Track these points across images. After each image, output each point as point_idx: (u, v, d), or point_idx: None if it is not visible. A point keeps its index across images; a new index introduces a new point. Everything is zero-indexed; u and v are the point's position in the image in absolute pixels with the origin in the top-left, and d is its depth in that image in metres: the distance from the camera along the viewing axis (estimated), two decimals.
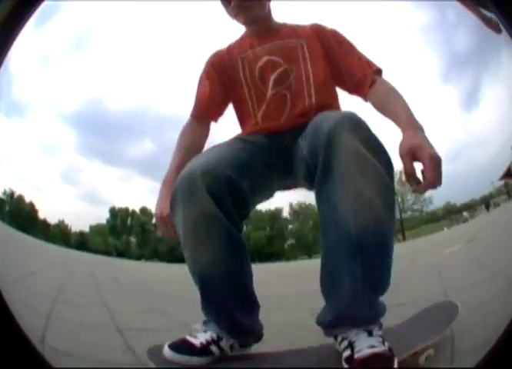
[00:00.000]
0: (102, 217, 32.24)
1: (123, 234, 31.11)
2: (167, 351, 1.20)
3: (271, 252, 26.94)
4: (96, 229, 31.39)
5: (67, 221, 29.25)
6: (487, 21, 1.28)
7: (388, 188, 1.00)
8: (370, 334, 1.02)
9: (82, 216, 32.02)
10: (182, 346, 1.20)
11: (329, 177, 1.02)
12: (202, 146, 1.62)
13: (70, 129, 36.83)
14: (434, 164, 1.01)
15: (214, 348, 1.21)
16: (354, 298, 1.03)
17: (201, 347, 1.19)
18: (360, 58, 1.50)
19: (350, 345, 1.01)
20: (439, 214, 33.06)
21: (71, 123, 33.48)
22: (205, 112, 1.66)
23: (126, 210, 31.45)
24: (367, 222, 0.94)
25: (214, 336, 1.22)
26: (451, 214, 31.81)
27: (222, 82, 1.62)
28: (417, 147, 1.02)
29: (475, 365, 0.85)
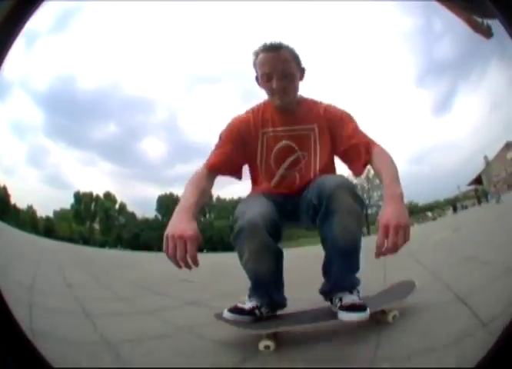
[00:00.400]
0: (67, 201, 31.69)
1: (87, 221, 30.77)
2: (226, 313, 1.70)
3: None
4: (61, 214, 31.05)
5: (34, 207, 29.28)
6: (476, 27, 1.30)
7: (362, 221, 1.62)
8: (351, 293, 1.67)
9: (47, 200, 31.53)
10: (236, 310, 1.71)
11: (330, 217, 1.57)
12: (210, 191, 1.91)
13: (39, 108, 35.86)
14: (400, 238, 1.40)
15: (256, 311, 1.72)
16: (342, 275, 1.69)
17: (249, 310, 1.71)
18: (360, 137, 1.82)
19: (340, 300, 1.65)
20: None
21: (41, 102, 32.70)
22: (218, 169, 1.86)
23: (90, 195, 31.08)
24: (349, 241, 1.59)
25: (256, 304, 1.75)
26: (413, 213, 33.96)
27: (241, 148, 1.87)
28: (391, 224, 1.41)
29: (475, 365, 0.87)
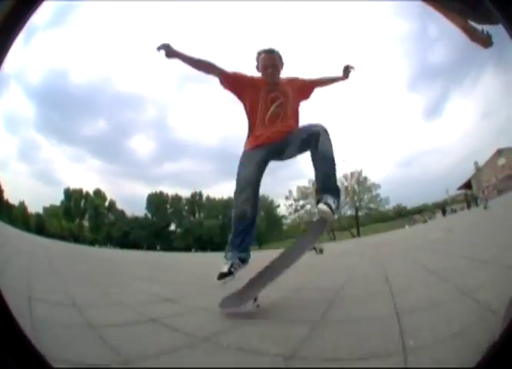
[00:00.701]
0: (57, 198, 31.58)
1: (76, 218, 30.61)
2: (216, 281, 2.44)
3: (223, 242, 27.79)
4: (51, 211, 30.92)
5: (26, 203, 29.26)
6: (474, 35, 1.29)
7: (332, 154, 2.63)
8: (333, 198, 2.49)
9: (38, 197, 31.31)
10: (220, 275, 2.44)
11: (316, 147, 2.56)
12: (208, 66, 2.88)
13: (31, 102, 35.57)
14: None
15: (232, 269, 2.46)
16: (329, 176, 2.58)
17: (228, 271, 2.45)
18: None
19: (324, 199, 2.46)
20: (389, 215, 35.74)
21: (33, 96, 32.41)
22: (230, 77, 2.91)
23: (80, 192, 31.03)
24: (331, 152, 2.58)
25: (230, 263, 2.50)
26: (401, 216, 34.51)
27: (251, 87, 2.92)
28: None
29: (475, 365, 0.89)
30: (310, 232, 2.59)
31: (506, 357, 0.81)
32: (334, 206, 2.42)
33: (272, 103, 2.89)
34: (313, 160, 2.60)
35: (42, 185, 34.40)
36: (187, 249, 26.79)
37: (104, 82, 42.72)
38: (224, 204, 28.67)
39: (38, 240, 19.81)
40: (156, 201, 28.59)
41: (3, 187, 26.88)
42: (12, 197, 28.25)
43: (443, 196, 31.60)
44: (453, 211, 25.95)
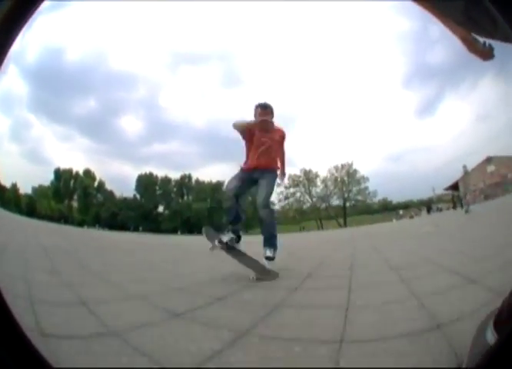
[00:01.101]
0: (47, 178, 32.14)
1: (66, 198, 30.65)
2: (217, 244, 3.40)
3: (211, 224, 27.88)
4: (41, 192, 30.95)
5: (18, 184, 30.09)
6: (473, 46, 1.24)
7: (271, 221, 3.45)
8: (270, 249, 3.34)
9: (28, 177, 31.46)
10: (221, 243, 3.39)
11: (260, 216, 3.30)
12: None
13: (25, 81, 35.48)
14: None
15: (228, 242, 3.40)
16: (268, 241, 3.37)
17: (226, 242, 3.39)
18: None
19: (265, 252, 3.27)
20: (374, 208, 36.30)
21: (27, 75, 32.27)
22: (244, 128, 3.62)
23: (70, 172, 30.94)
24: (270, 226, 3.47)
25: (230, 237, 3.42)
26: (386, 209, 35.15)
27: (249, 132, 3.56)
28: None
29: (475, 365, 0.89)
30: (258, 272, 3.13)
31: (506, 357, 0.76)
32: (272, 255, 3.40)
33: (262, 145, 3.81)
34: (259, 220, 3.45)
35: (33, 165, 34.52)
36: (175, 231, 26.79)
37: (97, 60, 42.35)
38: (213, 187, 28.69)
39: (29, 222, 19.71)
40: (145, 183, 28.53)
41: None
42: (4, 179, 28.37)
43: (429, 194, 31.99)
44: (439, 210, 27.69)
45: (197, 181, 29.83)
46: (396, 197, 34.56)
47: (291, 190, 31.57)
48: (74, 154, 35.38)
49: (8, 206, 27.01)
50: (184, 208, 27.58)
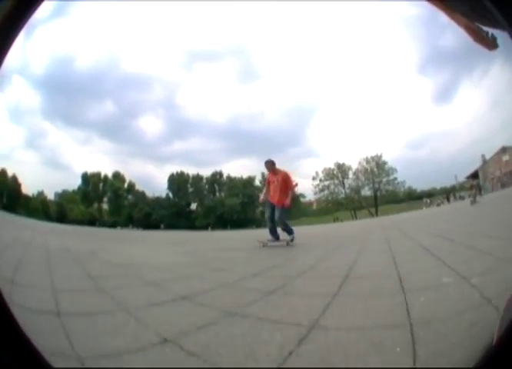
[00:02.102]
0: (70, 184, 32.23)
1: (95, 202, 31.01)
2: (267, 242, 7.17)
3: (244, 219, 28.37)
4: (67, 198, 31.24)
5: (44, 192, 29.89)
6: (477, 36, 1.24)
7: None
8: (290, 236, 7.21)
9: (54, 185, 31.61)
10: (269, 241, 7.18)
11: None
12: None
13: (36, 92, 35.56)
14: None
15: (268, 243, 7.10)
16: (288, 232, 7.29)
17: (270, 240, 7.19)
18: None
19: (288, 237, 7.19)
20: (400, 197, 37.16)
21: (37, 85, 32.37)
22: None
23: (98, 175, 31.18)
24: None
25: (271, 239, 7.14)
26: (411, 199, 36.01)
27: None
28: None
29: (475, 365, 0.90)
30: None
31: (506, 357, 0.79)
32: (291, 237, 6.91)
33: (272, 183, 7.16)
34: (281, 227, 7.18)
35: (53, 172, 34.64)
36: (206, 227, 27.23)
37: (108, 65, 42.19)
38: (244, 183, 29.15)
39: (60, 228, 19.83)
40: (177, 181, 28.90)
41: (20, 180, 27.32)
42: (27, 188, 28.78)
43: (452, 182, 32.62)
44: (461, 198, 26.91)
45: (228, 177, 30.24)
46: (419, 186, 35.18)
47: (326, 183, 32.48)
48: (95, 157, 35.39)
49: (36, 214, 27.34)
50: (218, 204, 27.94)
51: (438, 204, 28.40)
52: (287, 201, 6.85)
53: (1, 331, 0.91)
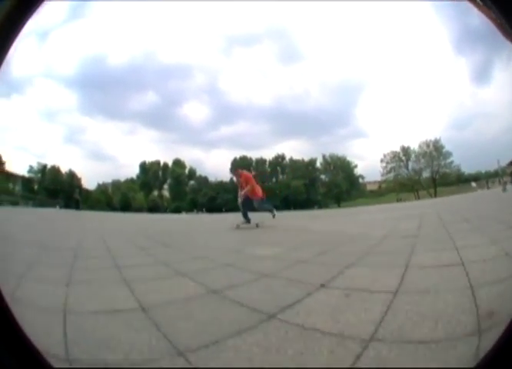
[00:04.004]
0: (117, 174, 33.79)
1: (154, 189, 31.95)
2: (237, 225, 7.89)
3: (308, 200, 28.58)
4: (125, 187, 32.02)
5: (100, 184, 31.48)
6: (508, 34, 1.05)
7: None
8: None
9: (112, 176, 32.56)
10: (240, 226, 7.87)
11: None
12: None
13: (72, 92, 36.28)
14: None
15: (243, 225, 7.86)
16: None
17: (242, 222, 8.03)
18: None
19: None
20: (450, 180, 37.43)
21: (73, 86, 32.94)
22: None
23: (158, 163, 32.01)
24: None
25: (244, 221, 7.96)
26: (460, 181, 36.14)
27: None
28: None
29: (475, 365, 0.90)
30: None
31: (506, 357, 0.79)
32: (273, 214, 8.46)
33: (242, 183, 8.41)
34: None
35: (103, 164, 35.45)
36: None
37: (144, 56, 42.55)
38: (307, 164, 29.28)
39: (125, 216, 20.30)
40: (240, 165, 29.18)
41: (81, 175, 28.78)
42: (90, 183, 30.20)
43: (494, 166, 32.20)
44: (504, 184, 26.75)
45: (291, 159, 30.40)
46: (466, 169, 36.04)
47: (392, 165, 33.91)
48: (143, 146, 35.99)
49: (99, 206, 28.09)
50: (283, 187, 28.15)
51: (488, 188, 28.34)
52: (250, 194, 8.36)
53: (1, 331, 0.90)
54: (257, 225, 7.87)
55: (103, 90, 34.55)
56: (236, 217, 8.38)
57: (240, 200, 8.54)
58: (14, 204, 23.06)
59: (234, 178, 9.53)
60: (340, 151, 32.88)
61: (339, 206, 29.49)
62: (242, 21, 46.88)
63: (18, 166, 28.32)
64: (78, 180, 28.70)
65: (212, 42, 46.21)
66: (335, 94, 40.11)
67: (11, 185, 26.93)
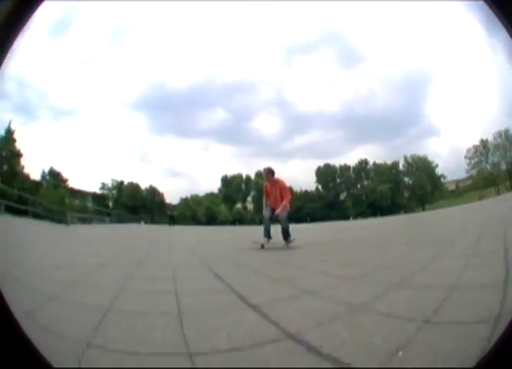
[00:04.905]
0: (194, 189, 34.73)
1: (238, 201, 33.05)
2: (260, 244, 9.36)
3: (393, 205, 28.54)
4: (207, 201, 33.47)
5: (184, 198, 32.79)
6: None
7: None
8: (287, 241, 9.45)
9: (194, 191, 34.13)
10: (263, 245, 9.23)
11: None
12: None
13: (138, 117, 38.21)
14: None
15: (264, 244, 9.06)
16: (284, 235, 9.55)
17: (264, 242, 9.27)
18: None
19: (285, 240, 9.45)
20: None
21: (139, 111, 34.44)
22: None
23: (240, 176, 33.28)
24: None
25: (265, 240, 9.27)
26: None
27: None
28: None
29: (475, 365, 0.89)
30: None
31: (506, 357, 0.78)
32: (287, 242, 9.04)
33: (272, 194, 9.81)
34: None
35: (178, 181, 37.15)
36: (359, 216, 27.81)
37: (207, 76, 44.32)
38: (390, 168, 29.25)
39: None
40: (325, 173, 29.79)
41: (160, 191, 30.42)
42: (168, 199, 31.59)
43: None
44: None
45: (374, 164, 30.50)
46: None
47: (474, 160, 31.15)
48: (221, 161, 37.41)
49: (184, 220, 29.65)
50: (369, 192, 28.37)
51: None
52: (284, 209, 8.80)
53: (2, 331, 0.90)
54: (287, 244, 8.55)
55: (169, 110, 36.16)
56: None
57: (280, 213, 8.49)
58: (86, 220, 24.78)
59: (267, 185, 9.63)
60: (413, 151, 31.45)
61: (423, 209, 29.15)
62: (295, 30, 47.29)
63: (84, 183, 29.59)
64: (161, 195, 30.49)
65: (271, 55, 46.68)
66: (401, 92, 39.35)
67: (77, 202, 26.93)
